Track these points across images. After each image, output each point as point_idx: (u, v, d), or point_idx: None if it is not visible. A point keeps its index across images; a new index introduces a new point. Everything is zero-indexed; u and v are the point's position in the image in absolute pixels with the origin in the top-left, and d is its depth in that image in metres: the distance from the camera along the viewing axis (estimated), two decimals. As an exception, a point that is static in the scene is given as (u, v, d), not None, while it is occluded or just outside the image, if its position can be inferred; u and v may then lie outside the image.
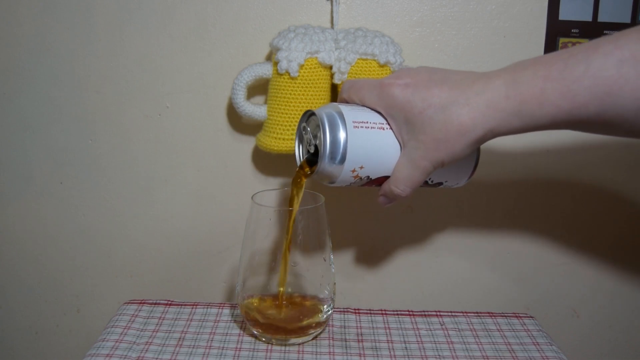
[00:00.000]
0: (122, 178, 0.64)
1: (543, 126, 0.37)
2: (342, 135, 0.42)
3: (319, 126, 0.43)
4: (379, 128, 0.43)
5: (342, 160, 0.42)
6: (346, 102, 0.46)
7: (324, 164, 0.43)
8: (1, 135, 0.64)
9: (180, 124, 0.62)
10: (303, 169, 0.47)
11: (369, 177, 0.44)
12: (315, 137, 0.45)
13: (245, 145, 0.63)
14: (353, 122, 0.42)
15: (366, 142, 0.42)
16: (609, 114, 0.35)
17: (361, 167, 0.43)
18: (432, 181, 0.47)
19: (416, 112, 0.40)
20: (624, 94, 0.34)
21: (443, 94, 0.39)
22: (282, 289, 0.51)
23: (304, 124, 0.47)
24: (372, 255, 0.66)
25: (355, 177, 0.44)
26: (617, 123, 0.35)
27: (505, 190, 0.64)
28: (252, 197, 0.52)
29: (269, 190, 0.54)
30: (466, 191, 0.64)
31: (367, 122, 0.43)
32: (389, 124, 0.43)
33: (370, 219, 0.65)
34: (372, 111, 0.44)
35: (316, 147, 0.44)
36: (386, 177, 0.44)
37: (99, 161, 0.64)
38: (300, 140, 0.48)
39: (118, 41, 0.60)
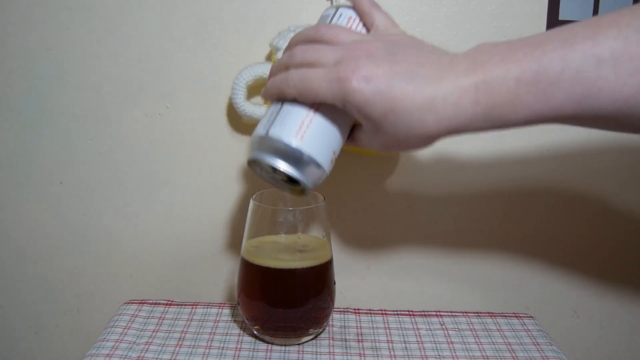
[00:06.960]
0: (122, 178, 0.64)
1: (513, 127, 0.35)
2: (300, 156, 0.39)
3: (270, 165, 0.40)
4: (315, 113, 0.40)
5: (319, 167, 0.40)
6: (292, 97, 0.40)
7: (309, 186, 0.41)
8: (1, 135, 0.64)
9: (180, 124, 0.62)
10: (297, 194, 0.45)
11: (341, 147, 0.43)
12: (275, 170, 0.41)
13: (245, 145, 0.63)
14: (295, 135, 0.39)
15: (319, 138, 0.40)
16: (585, 114, 0.33)
17: (333, 153, 0.42)
18: None
19: (377, 116, 0.36)
20: (602, 96, 0.32)
21: (407, 97, 0.35)
22: None
23: (258, 170, 0.44)
24: (372, 255, 0.66)
25: (334, 159, 0.42)
26: (594, 122, 0.34)
27: (505, 191, 0.64)
28: (252, 197, 0.52)
29: (269, 190, 0.54)
30: (467, 192, 0.64)
31: (303, 122, 0.39)
32: (316, 102, 0.40)
33: (370, 219, 0.65)
34: (295, 105, 0.40)
35: (286, 175, 0.41)
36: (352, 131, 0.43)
37: (99, 161, 0.64)
38: (270, 179, 0.45)
39: (118, 41, 0.60)
